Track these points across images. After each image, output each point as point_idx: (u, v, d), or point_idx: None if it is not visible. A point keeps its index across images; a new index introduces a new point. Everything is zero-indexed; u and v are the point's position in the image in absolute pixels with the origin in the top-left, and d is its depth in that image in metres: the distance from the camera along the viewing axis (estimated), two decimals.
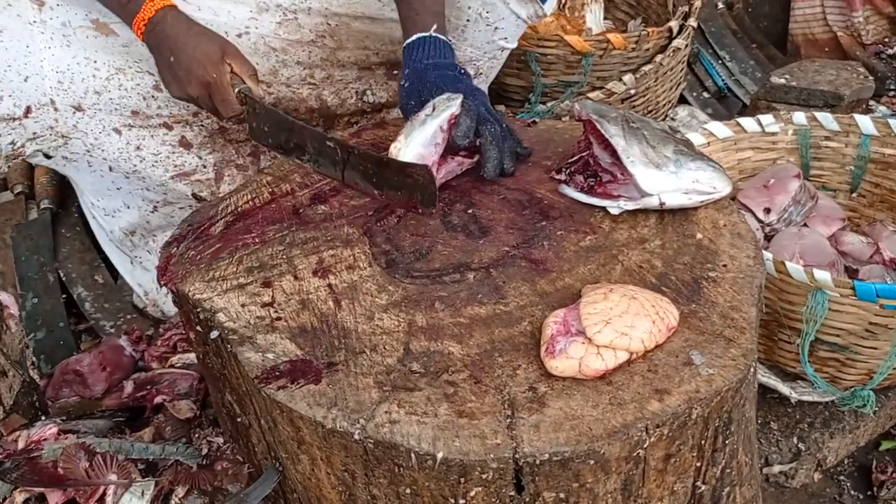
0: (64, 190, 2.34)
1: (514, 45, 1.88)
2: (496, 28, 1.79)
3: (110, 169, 1.71)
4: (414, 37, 1.52)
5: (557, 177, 1.40)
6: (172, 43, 1.48)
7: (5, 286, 2.07)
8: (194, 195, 1.77)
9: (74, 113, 1.62)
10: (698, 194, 1.31)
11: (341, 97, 1.79)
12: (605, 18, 2.65)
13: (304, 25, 1.71)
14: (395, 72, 1.81)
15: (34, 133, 1.61)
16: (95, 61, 1.62)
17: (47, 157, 1.67)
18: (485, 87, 2.02)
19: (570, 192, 1.37)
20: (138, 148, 1.69)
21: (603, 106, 1.39)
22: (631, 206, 1.31)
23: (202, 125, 1.72)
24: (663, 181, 1.29)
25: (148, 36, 1.50)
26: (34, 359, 1.77)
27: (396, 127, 1.58)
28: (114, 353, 1.70)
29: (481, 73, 1.89)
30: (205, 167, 1.75)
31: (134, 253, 1.92)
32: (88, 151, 1.67)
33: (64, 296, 2.06)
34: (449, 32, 1.74)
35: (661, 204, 1.30)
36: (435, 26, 1.52)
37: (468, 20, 1.76)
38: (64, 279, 2.10)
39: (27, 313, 1.98)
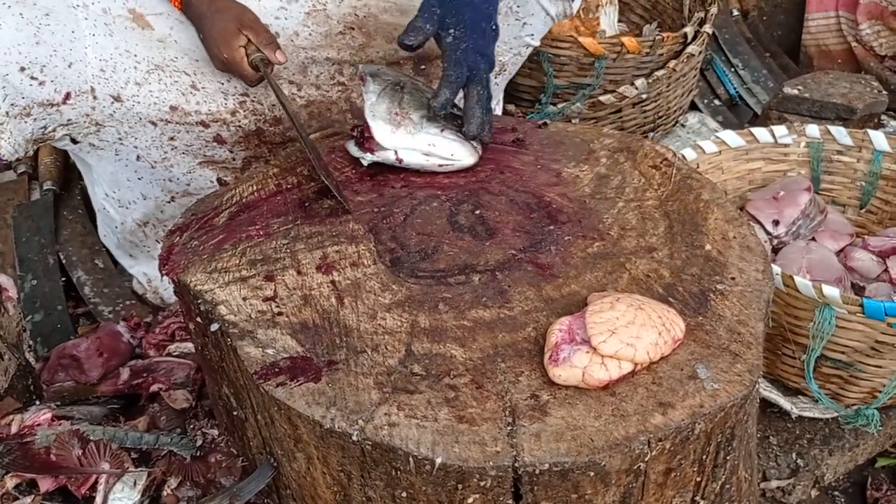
0: (67, 172, 2.32)
1: (538, 43, 1.88)
2: (525, 24, 1.78)
3: (138, 158, 1.69)
4: None
5: (351, 133, 1.47)
6: (199, 22, 1.58)
7: (5, 267, 2.06)
8: (219, 179, 1.75)
9: (113, 103, 1.60)
10: (438, 158, 1.41)
11: None
12: (619, 21, 2.63)
13: (332, 16, 1.69)
14: (423, 66, 1.80)
15: (69, 119, 1.58)
16: (136, 55, 1.60)
17: (74, 141, 1.65)
18: (504, 85, 2.01)
19: (351, 146, 1.45)
20: (172, 139, 1.67)
21: (385, 69, 1.49)
22: (376, 158, 1.41)
23: (239, 125, 1.70)
24: (397, 138, 1.39)
25: (185, 12, 1.60)
26: (31, 342, 1.75)
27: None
28: (111, 338, 1.68)
29: (505, 70, 1.88)
30: (234, 160, 1.74)
31: (144, 244, 1.90)
32: (120, 139, 1.65)
33: (63, 279, 2.05)
34: None
35: (399, 160, 1.41)
36: None
37: (498, 14, 1.75)
38: (64, 262, 2.08)
39: (26, 295, 1.97)
